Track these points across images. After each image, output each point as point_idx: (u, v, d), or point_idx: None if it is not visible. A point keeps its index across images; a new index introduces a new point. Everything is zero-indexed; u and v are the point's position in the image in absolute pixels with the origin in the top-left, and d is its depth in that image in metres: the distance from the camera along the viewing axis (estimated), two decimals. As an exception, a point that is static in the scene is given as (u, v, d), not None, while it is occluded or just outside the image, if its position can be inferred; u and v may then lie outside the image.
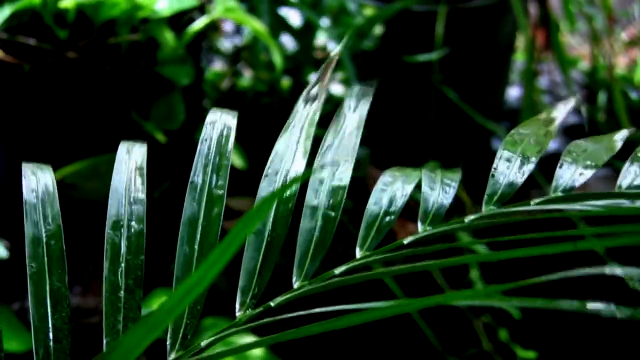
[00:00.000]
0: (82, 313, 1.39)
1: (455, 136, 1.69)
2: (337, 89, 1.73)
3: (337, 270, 0.52)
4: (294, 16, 1.59)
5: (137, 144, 0.61)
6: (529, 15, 1.67)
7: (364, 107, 0.62)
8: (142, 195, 0.58)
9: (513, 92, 1.84)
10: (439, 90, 1.58)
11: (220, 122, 0.60)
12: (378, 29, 1.59)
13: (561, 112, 0.64)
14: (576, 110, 1.80)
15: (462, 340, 1.56)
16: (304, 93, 0.62)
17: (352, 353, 1.58)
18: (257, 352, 1.33)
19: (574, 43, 2.05)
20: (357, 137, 0.60)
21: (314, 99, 0.61)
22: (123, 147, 0.61)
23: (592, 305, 0.42)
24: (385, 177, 0.60)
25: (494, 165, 0.60)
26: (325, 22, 1.58)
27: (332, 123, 0.61)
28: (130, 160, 0.60)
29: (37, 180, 0.60)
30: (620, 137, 0.63)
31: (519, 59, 1.84)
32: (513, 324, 1.56)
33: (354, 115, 0.61)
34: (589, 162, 0.59)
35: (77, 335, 1.40)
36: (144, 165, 0.60)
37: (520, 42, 1.73)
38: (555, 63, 1.77)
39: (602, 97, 1.81)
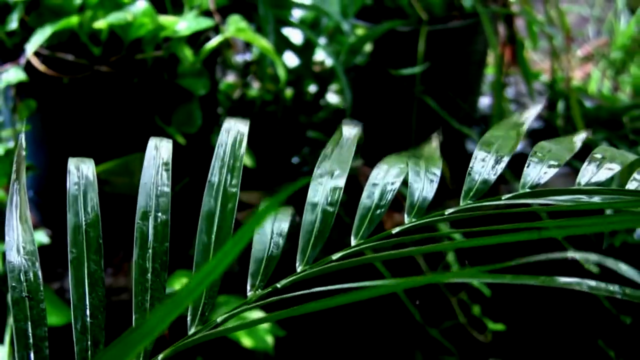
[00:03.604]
0: (113, 291, 1.39)
1: (435, 139, 1.69)
2: (332, 98, 1.72)
3: (335, 256, 0.52)
4: (295, 35, 1.59)
5: (164, 140, 0.60)
6: (498, 35, 1.67)
7: (357, 130, 0.62)
8: (167, 189, 0.57)
9: (484, 101, 1.84)
10: (420, 99, 1.58)
11: (234, 130, 0.59)
12: (368, 47, 1.59)
13: (529, 116, 0.63)
14: (539, 117, 1.80)
15: (440, 315, 1.56)
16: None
17: (344, 324, 1.58)
18: (263, 324, 1.33)
19: (537, 59, 2.05)
20: (352, 151, 0.60)
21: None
22: (152, 143, 0.59)
23: (563, 280, 0.42)
24: (376, 171, 0.59)
25: (470, 165, 0.59)
26: (322, 40, 1.57)
27: (332, 138, 0.61)
28: (158, 156, 0.59)
29: (80, 174, 0.59)
30: (579, 138, 0.62)
31: (490, 72, 1.83)
32: (485, 301, 1.56)
33: (350, 134, 0.62)
34: (552, 162, 0.58)
35: (109, 311, 1.39)
36: (170, 161, 0.59)
37: (491, 58, 1.73)
38: (520, 76, 1.77)
39: (560, 105, 1.81)
